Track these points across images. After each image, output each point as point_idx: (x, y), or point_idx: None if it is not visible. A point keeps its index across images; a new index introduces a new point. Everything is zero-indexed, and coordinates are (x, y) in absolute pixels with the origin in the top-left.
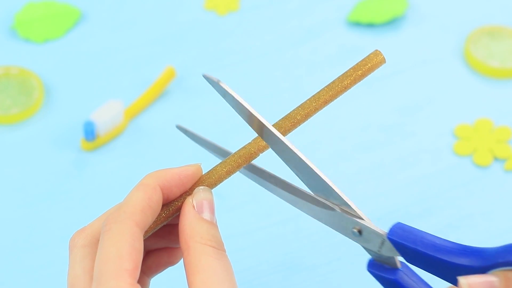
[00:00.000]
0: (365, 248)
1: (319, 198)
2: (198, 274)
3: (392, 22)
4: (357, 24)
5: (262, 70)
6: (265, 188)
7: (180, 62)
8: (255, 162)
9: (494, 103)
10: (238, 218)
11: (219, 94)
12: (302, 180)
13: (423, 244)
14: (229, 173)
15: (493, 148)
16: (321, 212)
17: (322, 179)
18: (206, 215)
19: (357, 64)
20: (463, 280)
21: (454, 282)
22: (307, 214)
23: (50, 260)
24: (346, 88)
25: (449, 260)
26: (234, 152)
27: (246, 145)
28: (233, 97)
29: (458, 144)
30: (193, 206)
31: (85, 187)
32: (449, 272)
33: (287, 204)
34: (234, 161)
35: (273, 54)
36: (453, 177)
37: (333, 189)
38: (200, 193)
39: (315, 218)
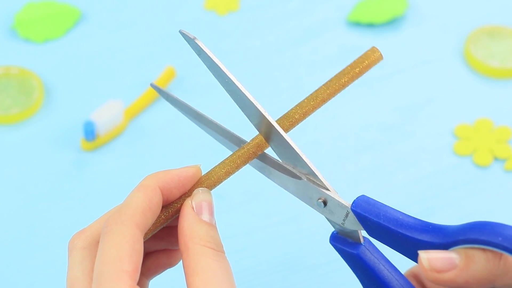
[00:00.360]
0: (329, 220)
1: (287, 166)
2: (197, 275)
3: (392, 22)
4: (357, 24)
5: (262, 70)
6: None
7: (180, 62)
8: (223, 124)
9: (494, 103)
10: (238, 218)
11: (218, 93)
12: (271, 147)
13: (386, 218)
14: (228, 174)
15: (493, 148)
16: (288, 181)
17: (291, 146)
18: (205, 216)
19: (354, 61)
20: (423, 254)
21: (415, 258)
22: (275, 182)
23: (50, 260)
24: (344, 86)
25: (410, 236)
26: (233, 152)
27: (244, 145)
28: (208, 56)
29: (458, 144)
30: (192, 208)
31: (85, 187)
32: (410, 247)
33: (287, 204)
34: (233, 161)
35: (273, 54)
36: (453, 177)
37: (301, 157)
38: (199, 194)
39: (282, 187)
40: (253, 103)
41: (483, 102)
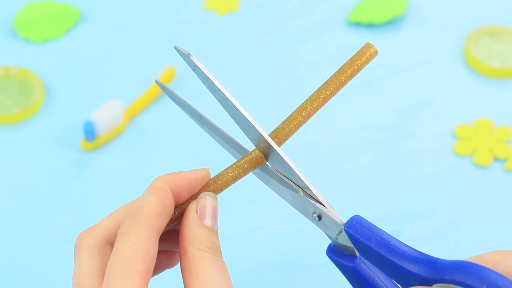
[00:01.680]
0: (325, 233)
1: (284, 178)
2: (197, 277)
3: (392, 22)
4: (357, 24)
5: (262, 70)
6: (234, 157)
7: (180, 62)
8: (223, 125)
9: (494, 103)
10: (238, 218)
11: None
12: (267, 161)
13: (377, 243)
14: (235, 178)
15: (493, 148)
16: (285, 191)
17: (286, 162)
18: (207, 221)
19: (350, 59)
20: None
21: (402, 283)
22: (272, 190)
23: (50, 260)
24: (343, 84)
25: (399, 264)
26: (240, 158)
27: (252, 150)
28: (202, 71)
29: (458, 144)
30: (196, 212)
31: (85, 187)
32: (398, 274)
33: (287, 204)
34: (240, 166)
35: (273, 54)
36: (453, 177)
37: (296, 173)
38: (204, 198)
39: (280, 195)
40: (247, 119)
41: (483, 102)
